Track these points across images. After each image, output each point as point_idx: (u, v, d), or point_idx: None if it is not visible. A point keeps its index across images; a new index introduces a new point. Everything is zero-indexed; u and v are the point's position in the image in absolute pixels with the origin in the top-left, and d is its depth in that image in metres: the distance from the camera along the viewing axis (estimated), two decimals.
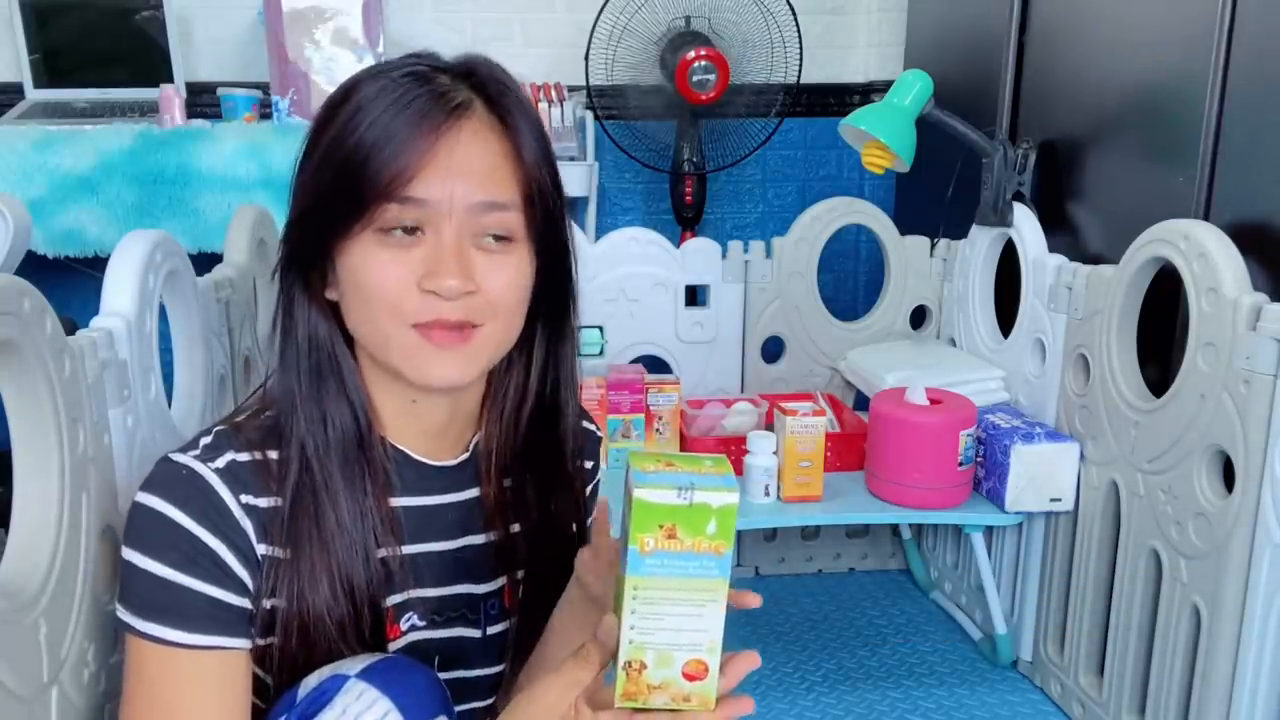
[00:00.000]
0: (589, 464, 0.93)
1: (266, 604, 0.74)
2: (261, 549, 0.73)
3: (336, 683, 0.71)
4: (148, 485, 0.72)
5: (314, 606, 0.74)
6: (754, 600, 0.67)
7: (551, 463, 0.86)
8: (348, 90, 0.74)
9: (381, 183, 0.70)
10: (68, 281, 1.79)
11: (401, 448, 0.80)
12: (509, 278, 0.74)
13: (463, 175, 0.71)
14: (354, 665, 0.72)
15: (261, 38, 2.23)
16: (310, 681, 0.72)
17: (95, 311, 0.93)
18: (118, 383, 0.90)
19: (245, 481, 0.73)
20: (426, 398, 0.79)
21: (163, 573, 0.70)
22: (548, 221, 0.77)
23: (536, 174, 0.75)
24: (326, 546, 0.74)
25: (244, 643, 0.73)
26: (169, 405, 1.05)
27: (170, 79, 2.23)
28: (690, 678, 0.61)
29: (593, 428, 0.94)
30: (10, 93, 2.26)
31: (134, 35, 2.27)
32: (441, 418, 0.81)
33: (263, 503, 0.74)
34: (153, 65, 2.26)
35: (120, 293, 0.94)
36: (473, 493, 0.84)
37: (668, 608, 0.60)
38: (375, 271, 0.72)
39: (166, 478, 0.72)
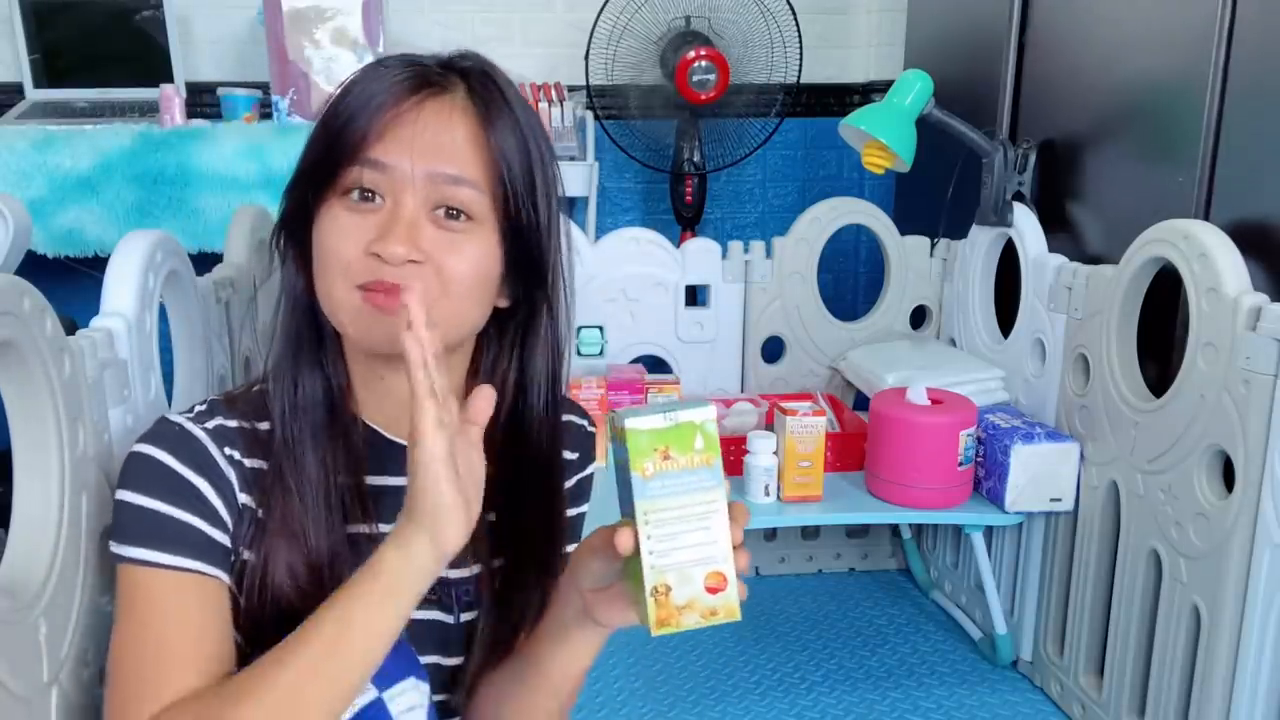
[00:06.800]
0: (572, 455, 0.91)
1: (244, 554, 0.76)
2: (243, 498, 0.77)
3: None
4: (143, 438, 0.77)
5: (276, 570, 0.76)
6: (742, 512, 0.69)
7: (517, 454, 0.85)
8: (353, 76, 0.77)
9: (348, 146, 0.73)
10: (68, 281, 1.78)
11: (375, 426, 0.82)
12: (466, 257, 0.75)
13: (425, 147, 0.73)
14: None
15: (261, 37, 2.22)
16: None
17: (95, 311, 0.93)
18: (118, 383, 0.90)
19: (231, 440, 0.78)
20: (393, 373, 0.79)
21: (151, 505, 0.74)
22: (520, 212, 0.76)
23: (509, 161, 0.75)
24: (292, 513, 0.76)
25: (222, 573, 0.75)
26: (169, 405, 1.05)
27: (170, 79, 2.23)
28: (712, 590, 0.66)
29: (582, 421, 0.92)
30: (10, 93, 2.26)
31: (134, 35, 2.27)
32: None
33: (247, 461, 0.78)
34: (153, 65, 2.27)
35: (120, 293, 0.94)
36: None
37: (678, 526, 0.65)
38: (332, 234, 0.75)
39: (160, 432, 0.77)
